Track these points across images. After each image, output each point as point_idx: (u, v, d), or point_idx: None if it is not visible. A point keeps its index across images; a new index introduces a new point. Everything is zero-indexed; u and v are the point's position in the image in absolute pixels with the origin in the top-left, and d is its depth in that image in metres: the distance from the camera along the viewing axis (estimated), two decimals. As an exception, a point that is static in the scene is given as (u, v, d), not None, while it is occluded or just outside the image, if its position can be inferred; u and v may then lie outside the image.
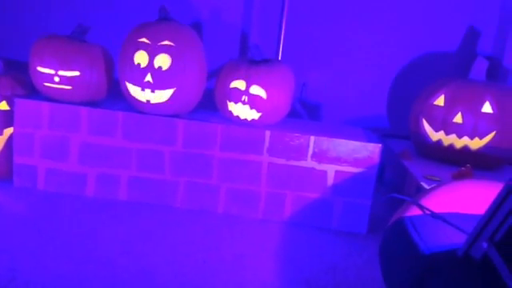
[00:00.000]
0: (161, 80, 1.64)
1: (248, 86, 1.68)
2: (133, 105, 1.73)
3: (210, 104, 1.84)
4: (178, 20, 1.75)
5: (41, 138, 1.74)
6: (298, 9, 2.17)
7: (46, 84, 1.70)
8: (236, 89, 1.70)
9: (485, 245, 0.75)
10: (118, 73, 1.72)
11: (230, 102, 1.72)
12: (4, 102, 1.74)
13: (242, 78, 1.69)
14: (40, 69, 1.69)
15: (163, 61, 1.63)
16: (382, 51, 2.21)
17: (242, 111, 1.71)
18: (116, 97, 1.87)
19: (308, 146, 1.68)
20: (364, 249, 1.57)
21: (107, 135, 1.73)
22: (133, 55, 1.64)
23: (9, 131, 1.78)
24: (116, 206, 1.71)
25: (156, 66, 1.63)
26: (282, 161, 1.70)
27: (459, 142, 1.80)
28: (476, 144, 1.78)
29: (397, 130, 2.28)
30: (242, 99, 1.69)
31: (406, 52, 2.21)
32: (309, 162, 1.69)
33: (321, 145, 1.68)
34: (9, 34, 2.27)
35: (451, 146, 1.81)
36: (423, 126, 1.88)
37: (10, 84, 1.77)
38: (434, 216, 1.02)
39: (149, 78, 1.63)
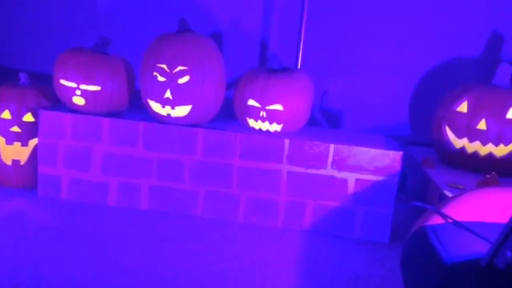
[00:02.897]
0: (180, 96, 1.66)
1: (263, 105, 1.69)
2: (153, 117, 1.75)
3: (230, 113, 1.85)
4: (198, 31, 1.77)
5: (64, 148, 1.78)
6: (317, 16, 2.17)
7: (70, 97, 1.74)
8: (253, 106, 1.71)
9: (509, 254, 0.73)
10: (139, 86, 1.75)
11: (249, 118, 1.74)
12: (29, 114, 1.79)
13: (257, 100, 1.69)
14: (63, 82, 1.73)
15: (182, 78, 1.65)
16: (403, 57, 2.19)
17: (262, 126, 1.72)
18: (137, 107, 1.89)
19: (328, 153, 1.67)
20: (386, 258, 1.55)
21: (128, 145, 1.75)
22: (152, 73, 1.67)
23: (33, 142, 1.82)
24: (137, 214, 1.73)
25: (175, 81, 1.65)
26: (301, 169, 1.69)
27: (484, 150, 1.75)
28: (501, 151, 1.74)
29: (419, 137, 2.24)
30: (261, 115, 1.70)
31: (428, 58, 2.18)
32: (329, 170, 1.68)
33: (341, 153, 1.66)
34: (34, 47, 2.34)
35: (475, 154, 1.77)
36: (446, 133, 1.85)
37: (35, 96, 1.82)
38: (457, 225, 0.99)
39: (168, 94, 1.65)
